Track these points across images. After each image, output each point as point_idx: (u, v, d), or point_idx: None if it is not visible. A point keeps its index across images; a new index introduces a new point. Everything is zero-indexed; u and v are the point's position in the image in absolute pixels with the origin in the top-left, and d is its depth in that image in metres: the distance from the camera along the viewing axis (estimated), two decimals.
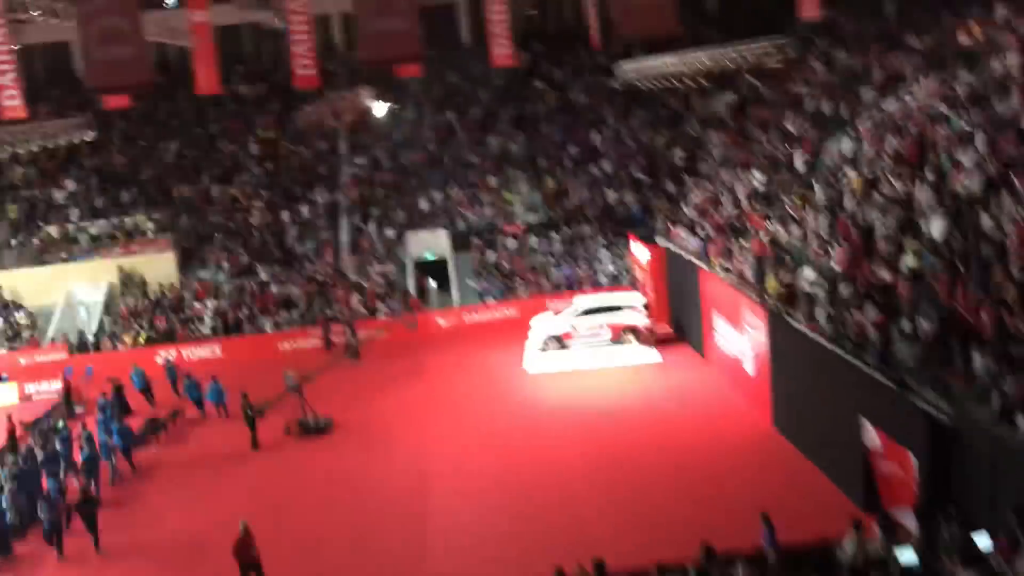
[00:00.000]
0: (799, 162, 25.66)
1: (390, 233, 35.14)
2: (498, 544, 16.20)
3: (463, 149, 38.47)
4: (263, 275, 33.66)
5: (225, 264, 34.47)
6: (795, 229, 22.21)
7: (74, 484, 19.41)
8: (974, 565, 7.30)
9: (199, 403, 25.42)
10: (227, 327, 31.57)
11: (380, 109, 37.26)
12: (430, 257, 34.49)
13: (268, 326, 31.46)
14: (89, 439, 21.08)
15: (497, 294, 32.29)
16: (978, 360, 13.70)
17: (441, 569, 15.60)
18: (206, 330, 31.66)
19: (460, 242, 34.44)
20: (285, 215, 36.47)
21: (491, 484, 18.90)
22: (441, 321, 31.39)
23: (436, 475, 19.63)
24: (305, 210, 36.67)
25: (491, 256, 33.80)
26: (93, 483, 19.45)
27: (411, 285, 33.37)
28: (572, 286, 32.01)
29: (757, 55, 30.27)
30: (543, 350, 27.06)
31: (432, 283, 34.56)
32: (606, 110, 38.98)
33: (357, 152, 38.90)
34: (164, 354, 30.00)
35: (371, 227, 35.44)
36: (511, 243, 34.23)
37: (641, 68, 34.74)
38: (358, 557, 16.17)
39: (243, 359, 29.76)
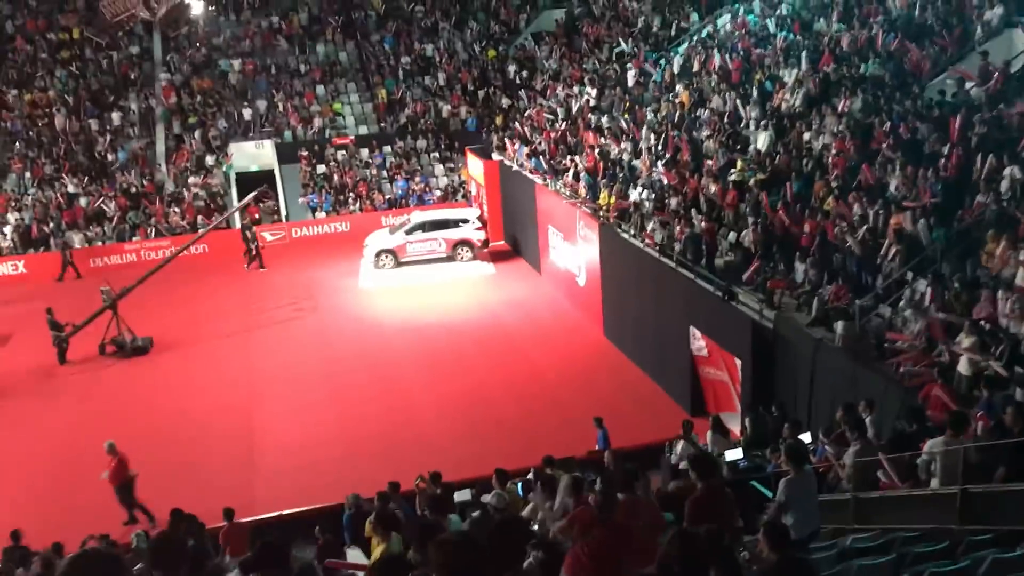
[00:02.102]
0: (630, 78, 25.94)
1: (211, 143, 33.08)
2: (331, 461, 15.82)
3: (288, 56, 36.51)
4: (71, 186, 30.98)
5: (27, 175, 31.48)
6: (626, 144, 22.53)
7: None
8: (796, 457, 7.61)
9: None
10: (31, 242, 29.02)
11: (196, 5, 34.54)
12: (255, 169, 32.77)
13: (77, 241, 29.12)
14: None
15: (327, 208, 31.23)
16: (799, 268, 14.42)
17: (273, 487, 15.09)
18: (5, 244, 28.98)
19: (287, 154, 32.88)
20: (94, 123, 33.55)
21: (323, 399, 18.45)
22: (268, 236, 30.06)
23: (265, 395, 18.96)
24: (116, 117, 33.86)
25: (320, 169, 32.56)
26: None
27: (234, 198, 31.69)
28: (406, 198, 31.41)
29: None
30: (377, 265, 26.50)
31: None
32: (439, 20, 37.92)
33: (173, 55, 36.12)
34: None
35: (189, 137, 33.22)
36: (341, 156, 33.05)
37: None
38: (182, 482, 15.27)
39: (49, 276, 27.55)
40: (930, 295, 12.00)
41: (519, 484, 10.99)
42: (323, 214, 31.12)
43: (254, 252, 28.05)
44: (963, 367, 10.61)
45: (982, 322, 10.82)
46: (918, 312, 11.88)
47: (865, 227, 13.87)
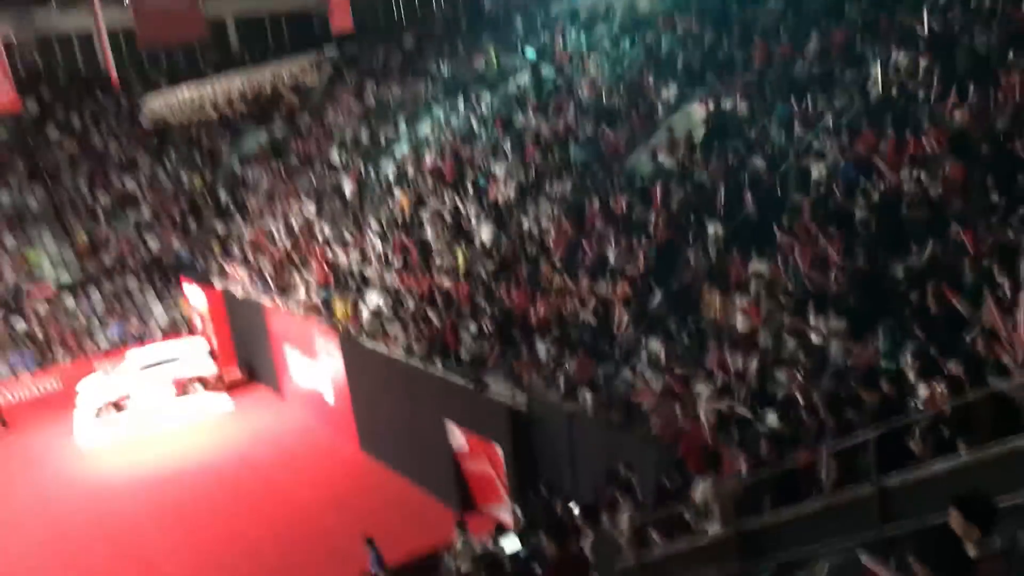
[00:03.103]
0: (347, 189, 25.90)
1: None
2: None
3: None
4: None
5: None
6: (353, 253, 22.27)
7: None
8: (557, 531, 7.47)
9: None
10: None
11: None
12: None
13: None
14: None
15: (31, 365, 28.03)
16: (540, 348, 14.66)
17: None
18: None
19: None
20: None
21: None
22: None
23: None
24: None
25: (20, 324, 29.29)
26: None
27: None
28: (124, 342, 28.94)
29: (294, 73, 30.14)
30: (97, 418, 23.86)
31: None
32: (137, 153, 36.06)
33: None
34: None
35: None
36: (42, 307, 29.98)
37: (170, 101, 32.72)
38: None
39: None
40: (663, 353, 12.57)
41: None
42: (27, 372, 27.89)
43: None
44: (706, 415, 11.08)
45: (714, 371, 11.42)
46: (656, 371, 12.37)
47: (594, 299, 14.42)
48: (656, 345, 12.78)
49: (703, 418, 11.01)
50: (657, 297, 13.60)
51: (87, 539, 17.67)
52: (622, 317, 13.78)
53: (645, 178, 16.70)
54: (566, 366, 13.86)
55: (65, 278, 31.37)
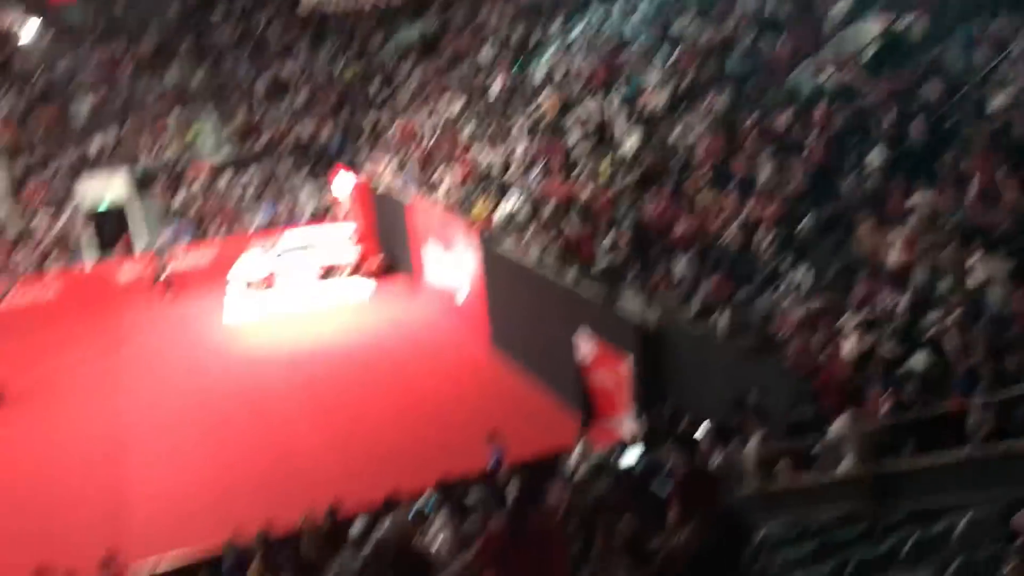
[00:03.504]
0: (495, 88, 25.70)
1: (55, 179, 30.92)
2: (209, 507, 14.64)
3: (137, 83, 34.62)
4: None
5: None
6: (496, 153, 22.23)
7: None
8: (688, 447, 7.29)
9: None
10: None
11: (28, 31, 32.10)
12: (103, 208, 30.61)
13: None
14: None
15: (188, 239, 29.66)
16: (677, 265, 14.35)
17: (145, 542, 13.81)
18: None
19: (142, 185, 31.06)
20: None
21: (196, 442, 17.24)
22: (123, 274, 28.22)
23: (130, 443, 17.56)
24: None
25: (179, 198, 30.93)
26: None
27: (85, 236, 29.68)
28: (274, 224, 30.16)
29: None
30: (246, 296, 25.19)
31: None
32: (294, 40, 36.83)
33: (5, 87, 33.67)
34: None
35: (31, 173, 30.96)
36: (200, 183, 31.49)
37: None
38: (42, 546, 13.82)
39: None
40: (808, 282, 12.08)
41: (411, 511, 10.34)
42: (185, 245, 29.53)
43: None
44: (848, 351, 10.63)
45: (861, 305, 10.89)
46: (798, 299, 11.92)
47: (739, 219, 13.92)
48: (801, 273, 12.30)
49: (845, 353, 10.58)
50: (807, 222, 13.00)
51: (230, 406, 18.79)
52: (767, 240, 13.28)
53: (806, 96, 15.79)
54: (703, 286, 13.56)
55: (222, 157, 32.74)
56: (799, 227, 13.05)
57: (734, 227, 13.80)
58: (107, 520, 14.59)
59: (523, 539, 5.33)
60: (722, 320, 12.63)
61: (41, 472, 16.60)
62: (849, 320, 10.70)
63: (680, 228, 14.84)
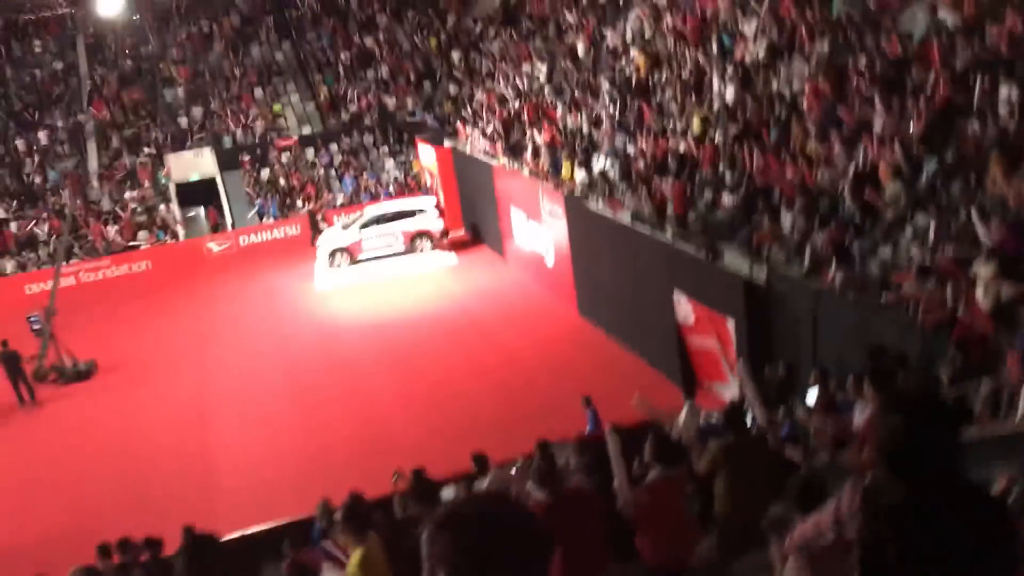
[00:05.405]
0: (581, 49, 24.86)
1: (146, 155, 31.41)
2: (298, 472, 14.45)
3: (222, 60, 34.91)
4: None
5: None
6: (584, 114, 21.45)
7: None
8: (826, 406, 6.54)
9: None
10: None
11: (111, 7, 32.53)
12: (195, 178, 31.12)
13: (10, 267, 27.38)
14: None
15: (275, 212, 29.76)
16: (786, 218, 13.41)
17: (236, 506, 13.68)
18: None
19: (228, 161, 31.31)
20: (20, 143, 31.70)
21: (284, 409, 17.13)
22: (213, 246, 28.50)
23: (221, 410, 17.59)
24: (43, 137, 32.03)
25: (265, 173, 31.06)
26: None
27: (175, 211, 30.09)
28: (359, 196, 30.05)
29: None
30: (332, 265, 25.10)
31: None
32: (376, 12, 36.57)
33: (98, 68, 34.35)
34: None
35: (124, 150, 31.51)
36: (285, 158, 31.57)
37: None
38: (135, 510, 13.84)
39: None
40: (935, 229, 11.03)
41: (513, 470, 9.81)
42: (271, 219, 29.66)
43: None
44: (982, 300, 9.62)
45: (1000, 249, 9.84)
46: (924, 249, 10.90)
47: (853, 167, 12.89)
48: (925, 220, 11.25)
49: (981, 304, 9.56)
50: (930, 166, 11.90)
51: (317, 371, 18.64)
52: (886, 188, 12.23)
53: (921, 36, 14.55)
54: (814, 239, 12.60)
55: (307, 131, 32.75)
56: (921, 172, 11.98)
57: (848, 176, 12.77)
58: (196, 487, 14.50)
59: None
60: (838, 275, 11.68)
61: (134, 440, 16.69)
62: (983, 267, 9.66)
63: (787, 179, 13.87)
